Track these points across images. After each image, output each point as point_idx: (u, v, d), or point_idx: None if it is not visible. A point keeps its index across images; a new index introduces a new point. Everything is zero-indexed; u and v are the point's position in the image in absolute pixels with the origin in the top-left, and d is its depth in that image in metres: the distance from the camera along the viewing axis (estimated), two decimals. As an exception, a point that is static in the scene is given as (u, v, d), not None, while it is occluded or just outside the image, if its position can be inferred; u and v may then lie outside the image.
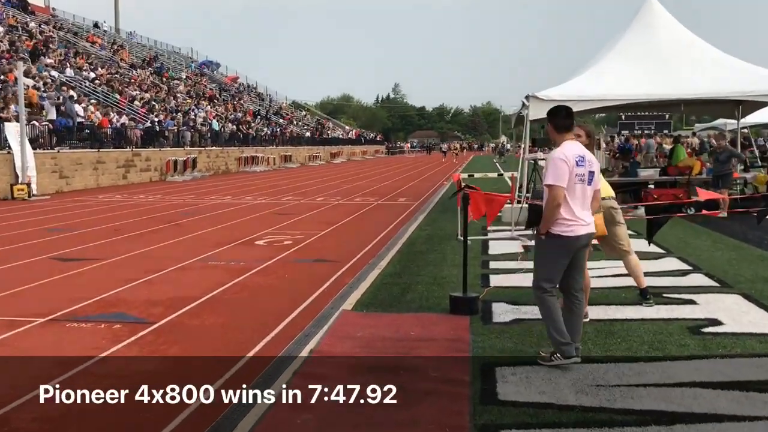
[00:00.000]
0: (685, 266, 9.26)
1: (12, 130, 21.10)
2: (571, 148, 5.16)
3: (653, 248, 10.21)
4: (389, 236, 12.80)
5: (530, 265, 10.01)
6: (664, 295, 7.57)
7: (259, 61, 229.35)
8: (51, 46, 42.29)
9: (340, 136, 74.31)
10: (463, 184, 7.84)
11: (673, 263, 9.47)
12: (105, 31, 62.50)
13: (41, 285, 8.45)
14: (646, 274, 7.43)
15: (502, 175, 12.61)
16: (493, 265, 9.60)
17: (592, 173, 5.20)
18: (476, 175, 13.83)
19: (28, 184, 20.96)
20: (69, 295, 7.79)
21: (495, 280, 8.50)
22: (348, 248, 11.34)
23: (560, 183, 5.03)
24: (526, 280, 8.50)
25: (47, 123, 24.20)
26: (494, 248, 11.09)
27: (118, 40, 60.98)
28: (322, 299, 7.71)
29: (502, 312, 6.99)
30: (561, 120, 5.29)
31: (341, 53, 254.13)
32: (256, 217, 16.12)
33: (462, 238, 11.90)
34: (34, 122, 23.63)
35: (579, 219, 5.12)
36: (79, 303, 7.42)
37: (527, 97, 15.38)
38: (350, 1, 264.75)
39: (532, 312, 6.89)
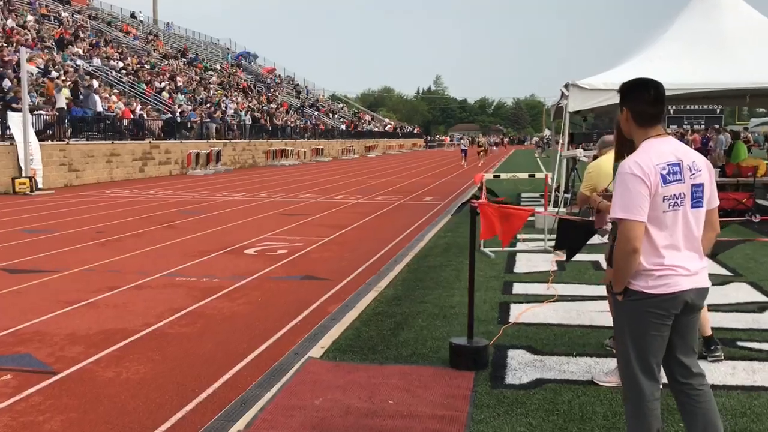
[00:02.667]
0: (761, 296, 7.33)
1: (16, 120, 19.93)
2: (656, 153, 3.15)
3: (714, 268, 8.29)
4: (402, 244, 11.08)
5: (562, 289, 8.33)
6: (739, 343, 5.71)
7: (301, 54, 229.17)
8: (81, 35, 41.54)
9: (376, 129, 72.60)
10: (479, 192, 6.07)
11: (743, 292, 7.54)
12: (141, 21, 61.89)
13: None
14: (708, 307, 5.59)
15: (534, 175, 10.73)
16: (516, 288, 7.80)
17: (699, 188, 3.19)
18: (503, 176, 11.92)
19: (31, 178, 19.77)
20: (-21, 325, 6.27)
21: (516, 312, 6.72)
22: (348, 260, 9.65)
23: (634, 215, 3.06)
24: (556, 314, 6.74)
25: (56, 113, 23.00)
26: (522, 264, 9.28)
27: (154, 30, 60.33)
28: (290, 337, 6.04)
29: (520, 366, 5.21)
30: (645, 104, 3.24)
31: (384, 45, 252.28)
32: (260, 218, 14.54)
33: (485, 250, 10.22)
34: (42, 112, 22.49)
35: (676, 266, 3.14)
36: (-18, 337, 5.89)
37: (566, 86, 13.46)
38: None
39: (560, 367, 5.14)
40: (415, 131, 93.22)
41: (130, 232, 12.15)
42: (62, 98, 23.54)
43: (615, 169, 4.59)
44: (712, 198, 3.27)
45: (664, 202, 3.11)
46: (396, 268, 9.02)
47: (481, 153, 44.62)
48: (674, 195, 3.12)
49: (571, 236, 5.53)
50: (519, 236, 11.46)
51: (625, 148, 4.84)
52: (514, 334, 6.03)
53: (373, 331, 6.12)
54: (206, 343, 5.84)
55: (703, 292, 3.23)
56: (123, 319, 6.56)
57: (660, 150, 3.17)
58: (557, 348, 5.63)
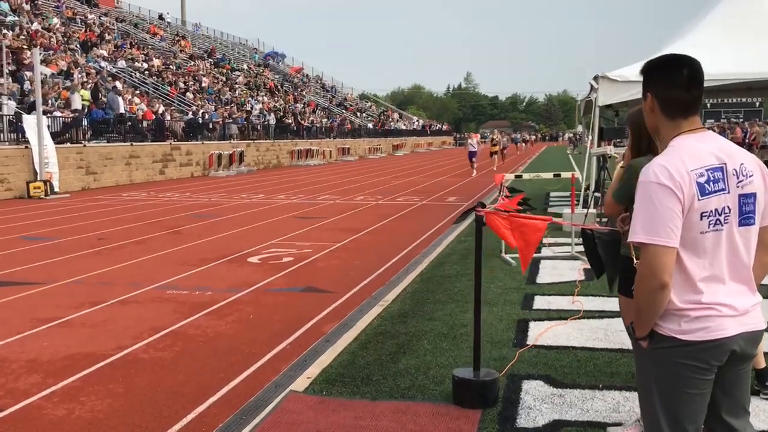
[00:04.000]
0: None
1: (31, 122, 19.59)
2: (690, 154, 2.33)
3: None
4: (418, 250, 10.32)
5: (589, 303, 7.50)
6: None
7: (331, 53, 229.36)
8: (107, 37, 41.49)
9: (404, 127, 71.80)
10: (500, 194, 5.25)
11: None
12: (169, 23, 61.96)
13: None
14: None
15: (559, 175, 9.87)
16: (538, 303, 6.99)
17: (750, 198, 2.37)
18: (526, 176, 11.03)
19: (47, 182, 19.41)
20: (-64, 349, 5.68)
21: (536, 332, 5.92)
22: (357, 269, 8.92)
23: (662, 238, 2.26)
24: (580, 334, 5.92)
25: (72, 114, 22.67)
26: (545, 273, 8.44)
27: (181, 31, 60.32)
28: (275, 363, 5.33)
29: (536, 402, 4.43)
30: (676, 87, 2.40)
31: (414, 43, 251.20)
32: (272, 222, 13.88)
33: (506, 257, 9.36)
34: (58, 114, 22.18)
35: (718, 304, 2.35)
36: (-68, 365, 5.28)
37: (596, 78, 12.55)
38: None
39: (583, 404, 4.34)
40: (444, 128, 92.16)
41: (132, 239, 11.58)
42: (78, 100, 23.19)
43: (632, 173, 3.76)
44: (767, 211, 2.43)
45: (703, 220, 2.30)
46: (407, 278, 8.27)
47: (496, 154, 34.64)
48: (716, 210, 2.31)
49: (597, 253, 4.65)
50: (544, 240, 10.63)
51: (643, 144, 4.00)
52: (532, 359, 5.24)
53: (370, 355, 5.38)
54: (179, 372, 5.15)
55: (756, 337, 2.41)
56: (96, 341, 5.91)
57: (696, 150, 2.35)
58: (580, 378, 4.83)
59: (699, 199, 2.28)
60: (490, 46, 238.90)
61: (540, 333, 5.91)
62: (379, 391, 4.66)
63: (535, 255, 9.48)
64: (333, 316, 6.67)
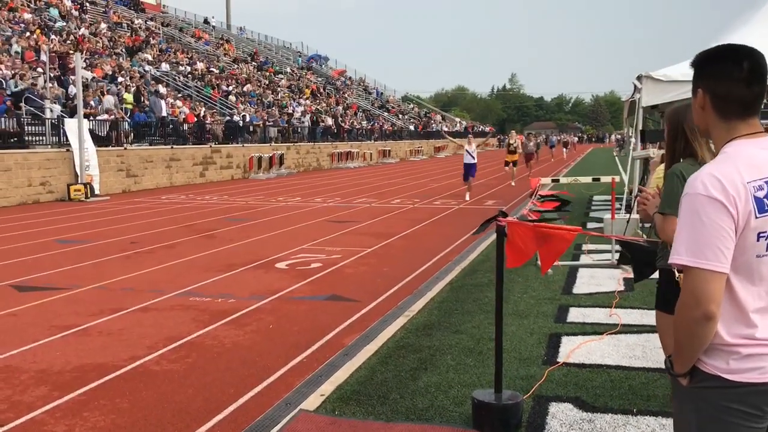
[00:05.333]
0: None
1: (73, 126, 19.84)
2: (747, 163, 1.98)
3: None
4: (450, 257, 9.99)
5: (627, 315, 7.03)
6: None
7: (374, 56, 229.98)
8: (152, 41, 42.11)
9: (446, 129, 71.33)
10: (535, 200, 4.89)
11: None
12: (214, 26, 62.69)
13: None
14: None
15: (599, 179, 9.42)
16: (572, 315, 6.60)
17: None
18: (563, 180, 10.57)
19: (87, 184, 19.62)
20: (-51, 357, 5.59)
21: (568, 348, 5.55)
22: (385, 276, 8.64)
23: (709, 261, 1.92)
24: (616, 351, 5.51)
25: (110, 117, 22.92)
26: (583, 282, 8.03)
27: (225, 35, 60.97)
28: (289, 378, 5.08)
29: (562, 427, 4.08)
30: (733, 82, 2.02)
31: (457, 44, 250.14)
32: (305, 226, 13.69)
33: (540, 265, 8.88)
34: (102, 117, 22.45)
35: None
36: (-58, 374, 5.18)
37: (639, 78, 12.01)
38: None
39: (614, 431, 3.97)
40: (488, 130, 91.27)
41: (163, 243, 11.50)
42: (110, 102, 23.43)
43: (674, 179, 3.37)
44: None
45: (759, 242, 1.94)
46: (436, 286, 7.96)
47: (513, 165, 25.08)
48: None
49: (638, 257, 4.29)
50: (584, 247, 10.19)
51: (678, 146, 3.56)
52: (561, 379, 4.87)
53: (389, 372, 5.09)
54: (188, 386, 4.94)
55: None
56: (109, 350, 5.76)
57: (755, 158, 1.98)
58: (613, 401, 4.46)
59: (756, 217, 1.92)
60: (535, 46, 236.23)
61: (572, 349, 5.54)
62: (395, 412, 4.36)
63: (573, 262, 9.10)
64: (355, 327, 6.40)
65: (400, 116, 67.32)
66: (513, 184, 24.02)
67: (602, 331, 6.00)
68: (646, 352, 5.44)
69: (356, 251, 10.52)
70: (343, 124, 45.49)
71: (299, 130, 37.73)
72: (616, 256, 8.91)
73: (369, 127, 51.23)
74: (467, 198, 18.46)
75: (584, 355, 5.38)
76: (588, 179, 9.72)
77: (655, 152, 10.16)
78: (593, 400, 4.48)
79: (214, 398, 4.71)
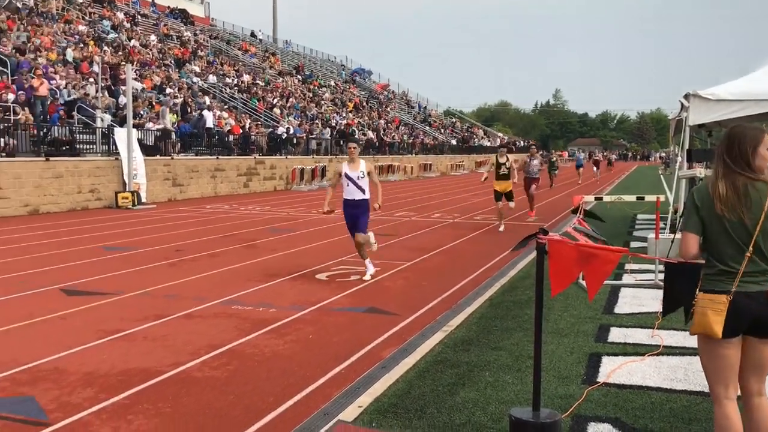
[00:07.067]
0: None
1: (122, 135, 20.38)
2: None
3: None
4: (490, 273, 9.95)
5: (670, 337, 6.90)
6: None
7: (418, 70, 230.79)
8: (200, 53, 43.02)
9: (488, 143, 71.01)
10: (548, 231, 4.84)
11: None
12: (261, 39, 63.71)
13: None
14: None
15: (643, 198, 9.30)
16: (613, 335, 6.53)
17: None
18: (606, 198, 10.46)
19: (134, 192, 20.10)
20: (2, 357, 5.80)
21: (608, 369, 5.49)
22: (424, 291, 8.66)
23: None
24: (657, 373, 5.43)
25: (161, 127, 23.47)
26: (625, 302, 7.93)
27: (271, 48, 61.93)
28: (327, 389, 5.13)
29: (601, 449, 4.04)
30: None
31: (501, 60, 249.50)
32: (345, 238, 13.73)
33: (584, 283, 8.76)
34: (151, 126, 23.00)
35: None
36: (-4, 373, 5.38)
37: (686, 96, 11.85)
38: (511, 6, 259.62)
39: (655, 457, 3.91)
40: (530, 145, 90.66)
41: (207, 251, 11.72)
42: (167, 116, 24.00)
43: (691, 200, 3.39)
44: None
45: None
46: (475, 302, 7.95)
47: (504, 197, 15.75)
48: None
49: (678, 288, 4.10)
50: (626, 266, 10.06)
51: (719, 168, 3.46)
52: (601, 399, 4.83)
53: (427, 386, 5.11)
54: (230, 393, 5.03)
55: None
56: (153, 356, 5.90)
57: None
58: (653, 423, 4.40)
59: None
60: (579, 62, 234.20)
61: (613, 369, 5.48)
62: (432, 426, 4.38)
63: (615, 282, 8.99)
64: (394, 340, 6.43)
65: (442, 130, 67.37)
66: (502, 228, 15.13)
67: (644, 352, 5.93)
68: (688, 375, 5.35)
69: (395, 264, 10.57)
70: (384, 138, 45.72)
71: (341, 143, 38.04)
72: (660, 276, 8.77)
73: (410, 140, 51.38)
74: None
75: (625, 376, 5.32)
76: (632, 198, 9.61)
77: (702, 172, 10.02)
78: (633, 422, 4.43)
79: (254, 406, 4.79)
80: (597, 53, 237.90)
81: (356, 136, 36.89)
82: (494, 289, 8.72)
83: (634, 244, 12.07)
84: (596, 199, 9.67)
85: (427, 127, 63.63)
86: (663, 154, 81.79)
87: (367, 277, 9.33)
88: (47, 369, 5.52)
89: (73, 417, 4.56)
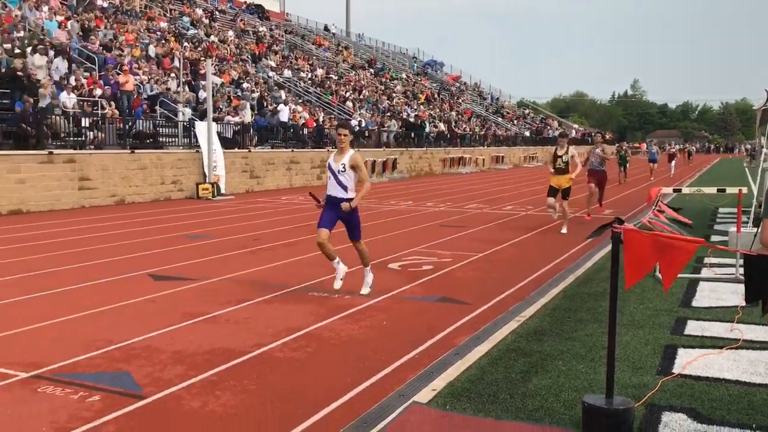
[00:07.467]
0: None
1: (202, 129, 21.11)
2: None
3: None
4: (563, 265, 9.91)
5: (750, 331, 6.72)
6: None
7: (491, 61, 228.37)
8: (275, 48, 43.90)
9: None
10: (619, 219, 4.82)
11: None
12: (334, 34, 64.44)
13: (84, 317, 7.01)
14: None
15: (724, 190, 9.07)
16: (690, 328, 6.45)
17: None
18: (685, 190, 10.22)
19: (214, 184, 20.81)
20: (94, 336, 6.21)
21: (684, 360, 5.45)
22: (496, 282, 8.72)
23: None
24: (736, 366, 5.36)
25: (240, 121, 24.16)
26: (703, 296, 7.78)
27: (344, 42, 62.55)
28: (401, 373, 5.29)
29: (675, 439, 4.06)
30: None
31: (577, 49, 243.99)
32: (416, 229, 13.95)
33: (660, 275, 8.61)
34: (231, 119, 23.70)
35: None
36: (93, 350, 5.78)
37: (773, 85, 11.44)
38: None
39: (731, 447, 3.90)
40: (607, 137, 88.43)
41: (284, 241, 12.09)
42: (247, 110, 24.67)
43: None
44: None
45: None
46: (548, 293, 7.96)
47: (560, 194, 13.90)
48: None
49: (759, 281, 4.03)
50: (705, 260, 9.83)
51: None
52: (676, 390, 4.82)
53: (500, 372, 5.20)
54: (309, 374, 5.26)
55: None
56: (236, 337, 6.20)
57: None
58: (731, 415, 4.37)
59: None
60: (659, 51, 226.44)
61: (689, 361, 5.43)
62: (504, 411, 4.48)
63: (693, 275, 8.82)
64: (466, 329, 6.54)
65: (515, 122, 66.56)
66: (564, 230, 13.34)
67: (722, 345, 5.84)
68: (769, 368, 5.26)
69: (467, 255, 10.64)
70: (456, 129, 45.57)
71: (412, 136, 38.16)
72: (741, 270, 8.55)
73: (482, 132, 51.02)
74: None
75: (701, 368, 5.27)
76: (712, 190, 9.37)
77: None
78: (709, 413, 4.41)
79: (333, 385, 4.99)
80: (677, 41, 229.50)
81: (350, 122, 29.25)
82: (568, 281, 8.70)
83: (714, 238, 11.75)
84: (675, 190, 9.47)
85: (500, 119, 63.01)
86: (749, 146, 78.30)
87: (337, 284, 7.84)
88: (140, 347, 5.89)
89: (165, 391, 4.87)
